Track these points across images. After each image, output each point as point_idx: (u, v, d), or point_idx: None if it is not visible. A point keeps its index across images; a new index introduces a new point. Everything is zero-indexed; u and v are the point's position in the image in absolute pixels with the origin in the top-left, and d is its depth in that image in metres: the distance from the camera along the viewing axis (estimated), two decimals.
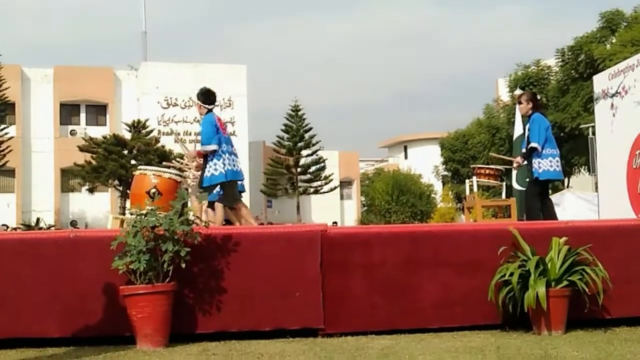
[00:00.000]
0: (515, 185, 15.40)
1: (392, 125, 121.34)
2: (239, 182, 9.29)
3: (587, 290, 6.10)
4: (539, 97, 9.85)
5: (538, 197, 9.36)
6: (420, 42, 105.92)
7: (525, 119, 10.15)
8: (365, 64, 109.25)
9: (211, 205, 9.25)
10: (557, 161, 9.31)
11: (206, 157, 8.66)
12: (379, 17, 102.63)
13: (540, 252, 6.25)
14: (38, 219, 36.37)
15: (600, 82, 12.63)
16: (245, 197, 9.60)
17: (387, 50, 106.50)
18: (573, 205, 18.78)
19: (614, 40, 27.69)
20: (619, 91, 11.96)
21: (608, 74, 12.48)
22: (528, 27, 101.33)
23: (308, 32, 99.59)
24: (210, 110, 8.74)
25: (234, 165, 8.76)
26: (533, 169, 9.22)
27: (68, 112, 44.76)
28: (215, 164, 8.53)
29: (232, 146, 8.93)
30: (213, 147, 8.50)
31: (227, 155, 8.62)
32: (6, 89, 35.87)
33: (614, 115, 12.10)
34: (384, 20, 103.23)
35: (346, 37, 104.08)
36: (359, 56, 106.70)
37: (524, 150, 9.62)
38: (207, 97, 8.81)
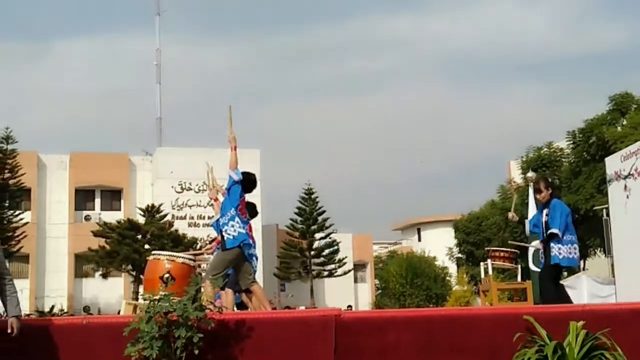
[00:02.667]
0: (532, 267, 15.26)
1: (405, 207, 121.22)
2: (254, 263, 9.33)
3: None
4: (550, 179, 9.86)
5: (553, 281, 9.35)
6: (432, 124, 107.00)
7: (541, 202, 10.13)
8: (377, 146, 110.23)
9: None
10: (575, 248, 9.34)
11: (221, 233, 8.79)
12: (390, 99, 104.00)
13: (558, 337, 6.16)
14: (52, 307, 36.26)
15: (613, 164, 12.66)
16: (259, 281, 9.62)
17: (399, 131, 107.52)
18: (589, 288, 18.56)
19: (624, 123, 27.82)
20: (631, 173, 11.97)
21: (620, 156, 12.52)
22: (538, 109, 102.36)
23: (321, 115, 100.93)
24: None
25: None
26: (552, 255, 9.21)
27: (83, 197, 45.09)
28: (233, 226, 8.68)
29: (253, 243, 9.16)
30: (237, 175, 8.81)
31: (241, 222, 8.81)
32: (22, 175, 36.24)
33: (627, 197, 12.08)
34: (395, 103, 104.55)
35: (358, 119, 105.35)
36: (371, 138, 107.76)
37: (526, 226, 9.61)
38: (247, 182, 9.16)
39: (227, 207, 8.92)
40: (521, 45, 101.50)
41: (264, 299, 9.10)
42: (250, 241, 9.20)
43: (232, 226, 8.74)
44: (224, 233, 8.81)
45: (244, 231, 8.80)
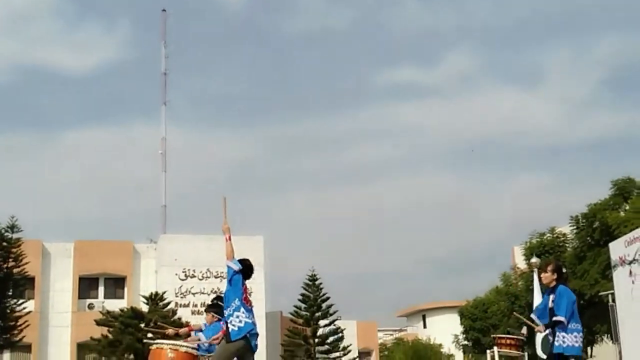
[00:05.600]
0: (540, 354, 15.12)
1: (410, 293, 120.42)
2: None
3: None
4: (560, 265, 9.77)
5: None
6: (436, 211, 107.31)
7: (545, 287, 10.08)
8: (380, 233, 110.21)
9: None
10: (580, 336, 9.26)
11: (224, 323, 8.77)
12: (394, 187, 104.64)
13: None
14: None
15: (617, 249, 12.71)
16: None
17: (402, 219, 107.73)
18: None
19: (627, 208, 27.87)
20: (636, 258, 12.00)
21: (624, 241, 12.58)
22: (542, 194, 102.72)
23: (326, 203, 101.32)
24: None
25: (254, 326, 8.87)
26: (557, 344, 9.12)
27: (87, 285, 44.92)
28: (238, 316, 8.64)
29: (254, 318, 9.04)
30: (236, 265, 8.79)
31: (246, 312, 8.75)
32: (26, 263, 36.15)
33: (633, 282, 12.07)
34: (399, 190, 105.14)
35: (362, 206, 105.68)
36: (374, 225, 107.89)
37: (534, 317, 9.54)
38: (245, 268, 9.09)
39: (231, 298, 8.88)
40: (523, 132, 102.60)
41: None
42: (252, 316, 9.06)
43: (238, 317, 8.71)
44: (229, 324, 8.77)
45: (250, 321, 8.77)
